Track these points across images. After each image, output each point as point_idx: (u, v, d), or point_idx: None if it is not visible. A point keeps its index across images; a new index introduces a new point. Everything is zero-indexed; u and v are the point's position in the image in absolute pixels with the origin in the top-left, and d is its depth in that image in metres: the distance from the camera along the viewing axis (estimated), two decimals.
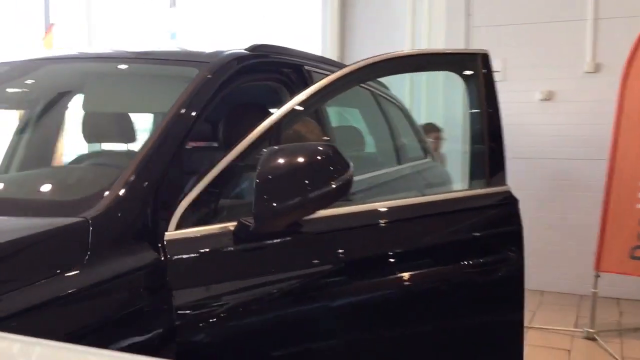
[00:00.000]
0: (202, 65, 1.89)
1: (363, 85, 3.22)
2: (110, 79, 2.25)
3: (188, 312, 1.45)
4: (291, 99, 1.78)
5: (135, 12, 7.18)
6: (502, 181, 2.11)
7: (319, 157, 1.55)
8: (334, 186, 1.53)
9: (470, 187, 2.25)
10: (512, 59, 5.67)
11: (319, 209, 1.60)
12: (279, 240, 1.64)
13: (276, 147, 1.57)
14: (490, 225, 2.06)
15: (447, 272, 1.93)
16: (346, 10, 6.48)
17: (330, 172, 1.55)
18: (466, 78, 2.24)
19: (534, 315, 4.89)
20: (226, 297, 1.54)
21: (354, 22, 6.47)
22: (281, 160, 1.52)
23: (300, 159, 1.53)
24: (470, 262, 1.96)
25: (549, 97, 5.58)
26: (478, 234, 2.06)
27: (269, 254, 1.64)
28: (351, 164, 1.60)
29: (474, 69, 2.19)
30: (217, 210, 1.63)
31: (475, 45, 5.87)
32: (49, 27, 6.99)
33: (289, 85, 2.13)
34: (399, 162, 3.30)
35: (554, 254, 5.51)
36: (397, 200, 1.97)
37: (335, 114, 3.28)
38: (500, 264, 2.03)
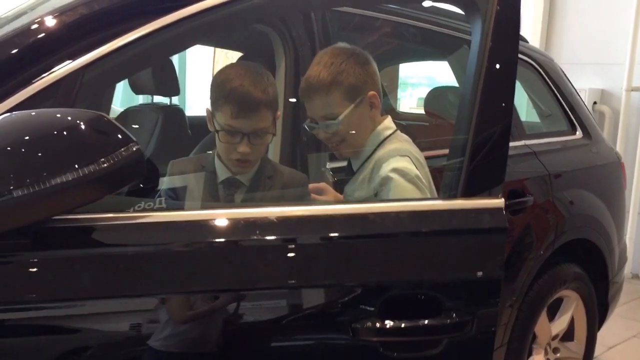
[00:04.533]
0: None
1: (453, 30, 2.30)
2: None
3: None
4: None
5: None
6: (491, 191, 1.22)
7: (62, 132, 0.98)
8: (82, 173, 0.97)
9: (438, 197, 1.36)
10: None
11: (63, 208, 1.00)
12: None
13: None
14: (445, 263, 1.20)
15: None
16: None
17: (86, 153, 1.00)
18: (470, 16, 1.35)
19: None
20: None
21: None
22: None
23: (28, 134, 0.97)
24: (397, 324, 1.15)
25: None
26: (418, 277, 1.19)
27: None
28: (134, 141, 1.03)
29: (484, 2, 1.30)
30: None
31: None
32: None
33: None
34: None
35: None
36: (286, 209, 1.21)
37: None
38: (456, 331, 1.17)
